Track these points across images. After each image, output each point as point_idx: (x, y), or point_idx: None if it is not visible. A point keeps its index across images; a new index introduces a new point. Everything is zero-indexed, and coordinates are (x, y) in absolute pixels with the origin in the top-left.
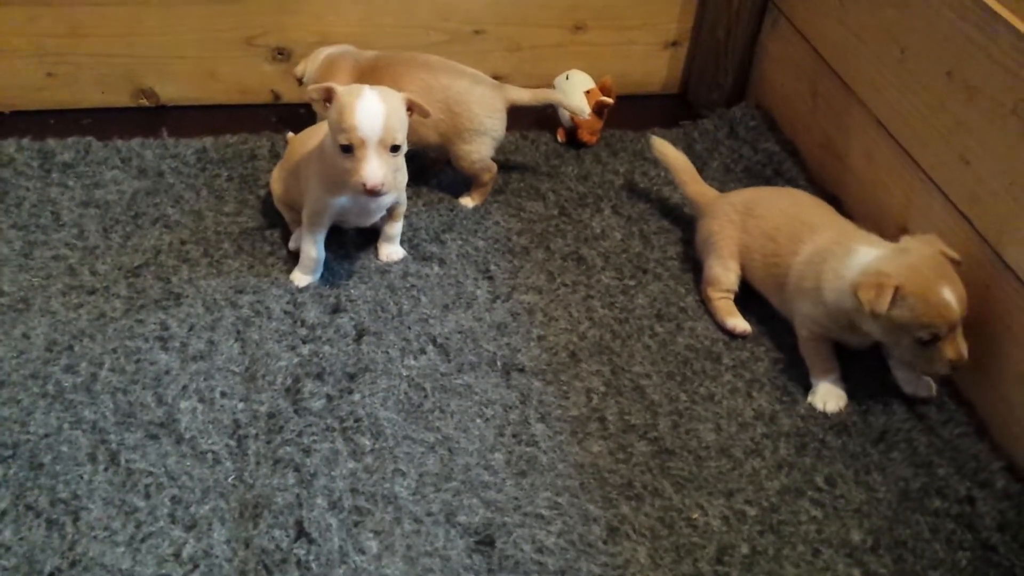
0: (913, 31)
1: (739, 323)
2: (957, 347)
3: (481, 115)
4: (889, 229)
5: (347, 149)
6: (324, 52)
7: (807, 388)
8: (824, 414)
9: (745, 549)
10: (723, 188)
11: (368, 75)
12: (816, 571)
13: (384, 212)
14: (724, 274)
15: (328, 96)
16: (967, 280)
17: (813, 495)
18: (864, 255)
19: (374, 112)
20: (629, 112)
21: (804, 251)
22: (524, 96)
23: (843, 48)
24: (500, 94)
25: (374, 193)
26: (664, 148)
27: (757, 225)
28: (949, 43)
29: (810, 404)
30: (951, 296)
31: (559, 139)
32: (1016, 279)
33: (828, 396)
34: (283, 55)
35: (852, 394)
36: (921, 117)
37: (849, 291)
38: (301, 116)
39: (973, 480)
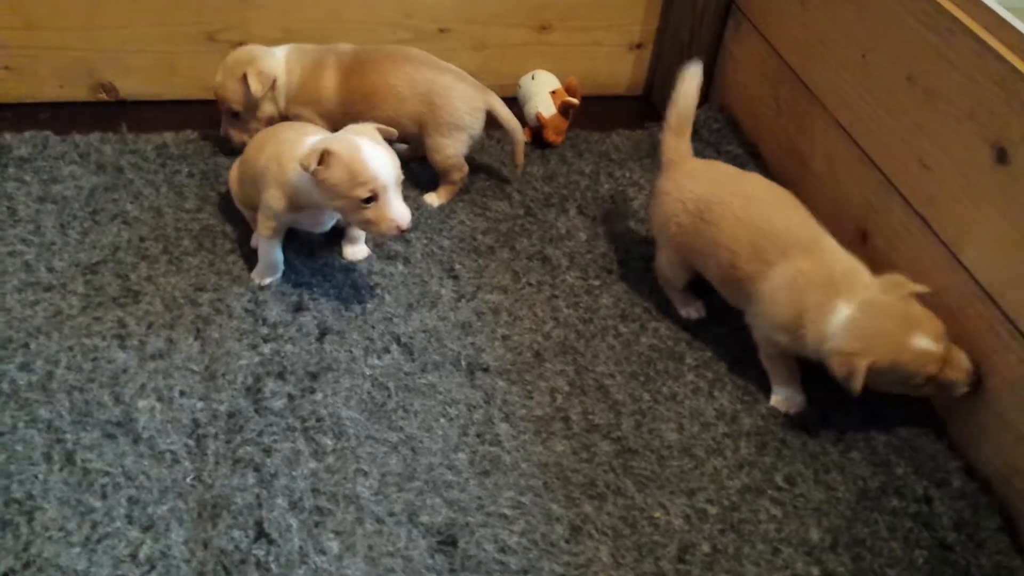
0: (874, 35)
1: (692, 311)
2: (960, 367)
3: (461, 110)
4: (849, 232)
5: (369, 200)
6: (279, 52)
7: (768, 388)
8: (785, 414)
9: (706, 548)
10: None
11: (353, 71)
12: (776, 569)
13: (337, 218)
14: (671, 271)
15: (321, 159)
16: (926, 283)
17: (773, 494)
18: (840, 316)
19: (382, 158)
20: (594, 113)
21: (775, 276)
22: (502, 112)
23: (805, 52)
24: (482, 95)
25: (405, 231)
26: (687, 82)
27: (712, 233)
28: (909, 48)
29: (772, 406)
30: (926, 342)
31: (525, 139)
32: (972, 280)
33: (790, 401)
34: None
35: (812, 394)
36: (881, 121)
37: (826, 357)
38: None
39: (931, 480)
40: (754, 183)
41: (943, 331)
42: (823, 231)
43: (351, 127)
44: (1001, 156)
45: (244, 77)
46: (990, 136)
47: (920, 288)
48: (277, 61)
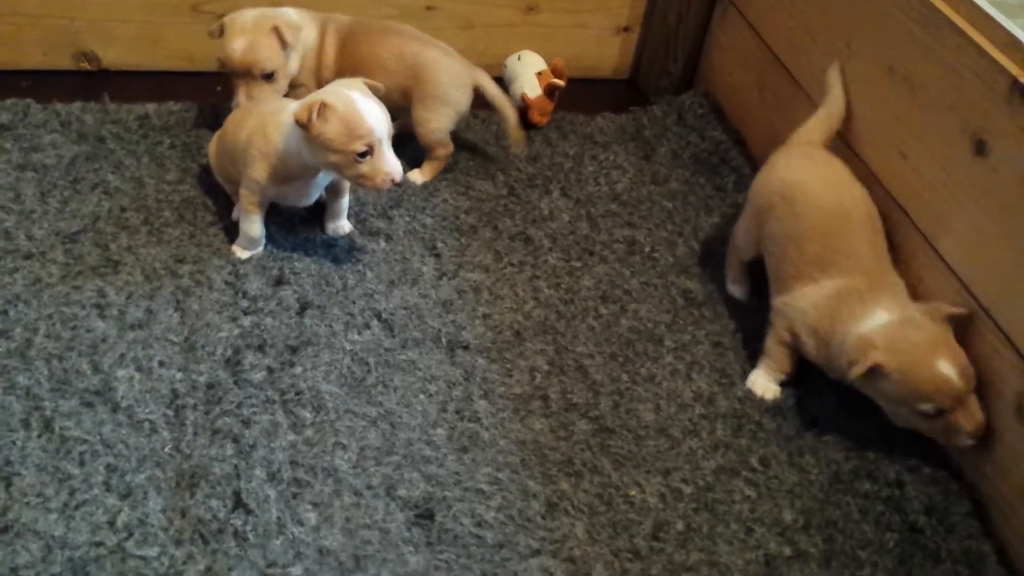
0: (859, 25)
1: (738, 290)
2: (972, 416)
3: (447, 84)
4: None
5: (365, 154)
6: (289, 10)
7: (745, 372)
8: (760, 398)
9: (680, 526)
10: (670, 174)
11: (348, 41)
12: (748, 548)
13: (320, 192)
14: (745, 240)
15: (319, 112)
16: (904, 272)
17: (748, 475)
18: (875, 320)
19: (375, 111)
20: (580, 95)
21: (826, 287)
22: (490, 89)
23: (790, 40)
24: (470, 72)
25: (398, 184)
26: (834, 80)
27: (790, 223)
28: (893, 39)
29: (748, 389)
30: (949, 370)
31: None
32: (948, 269)
33: (767, 388)
34: None
35: (789, 378)
36: (863, 111)
37: (846, 347)
38: None
39: (902, 464)
40: (858, 200)
41: (971, 373)
42: (888, 263)
43: (339, 81)
44: (980, 148)
45: (276, 30)
46: (969, 128)
47: (958, 311)
48: (293, 16)
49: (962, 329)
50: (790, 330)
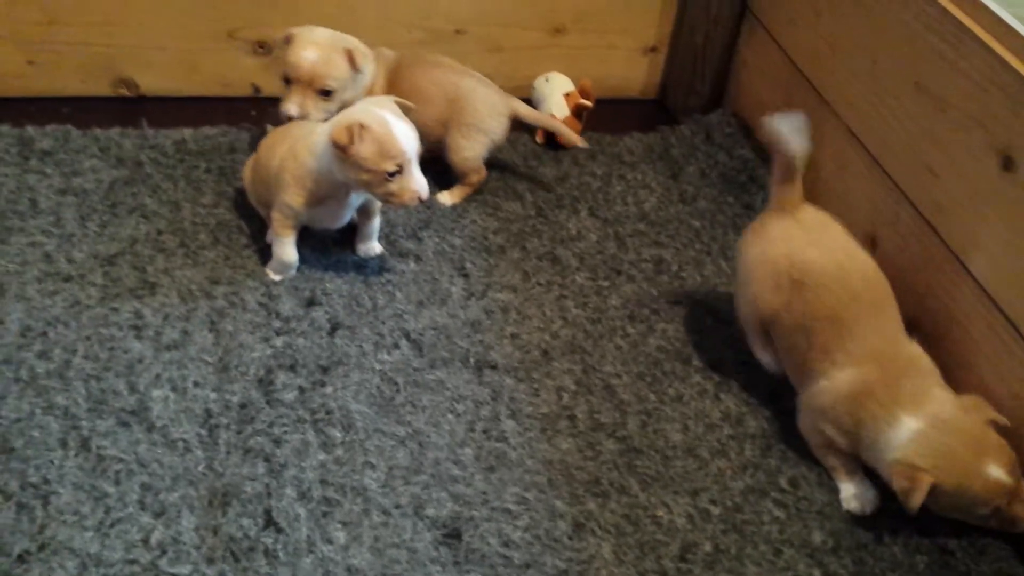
0: (884, 42)
1: (769, 357)
2: None
3: (483, 112)
4: (858, 238)
5: (394, 173)
6: (357, 46)
7: (774, 391)
8: (860, 515)
9: (708, 547)
10: (698, 193)
11: (396, 75)
12: (777, 570)
13: (352, 214)
14: (752, 310)
15: (355, 133)
16: (933, 290)
17: (776, 496)
18: (905, 430)
19: (407, 131)
20: (608, 116)
21: (839, 379)
22: (529, 114)
23: (817, 58)
24: (506, 101)
25: (423, 201)
26: (782, 126)
27: (807, 304)
28: (918, 55)
29: (845, 510)
30: (997, 471)
31: (538, 140)
32: (979, 287)
33: (862, 498)
34: (264, 48)
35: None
36: (890, 127)
37: (886, 466)
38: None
39: None
40: (862, 272)
41: (1016, 463)
42: (902, 337)
43: (369, 100)
44: (1007, 164)
45: (349, 52)
46: (997, 144)
47: (1000, 419)
48: (363, 46)
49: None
50: (819, 432)
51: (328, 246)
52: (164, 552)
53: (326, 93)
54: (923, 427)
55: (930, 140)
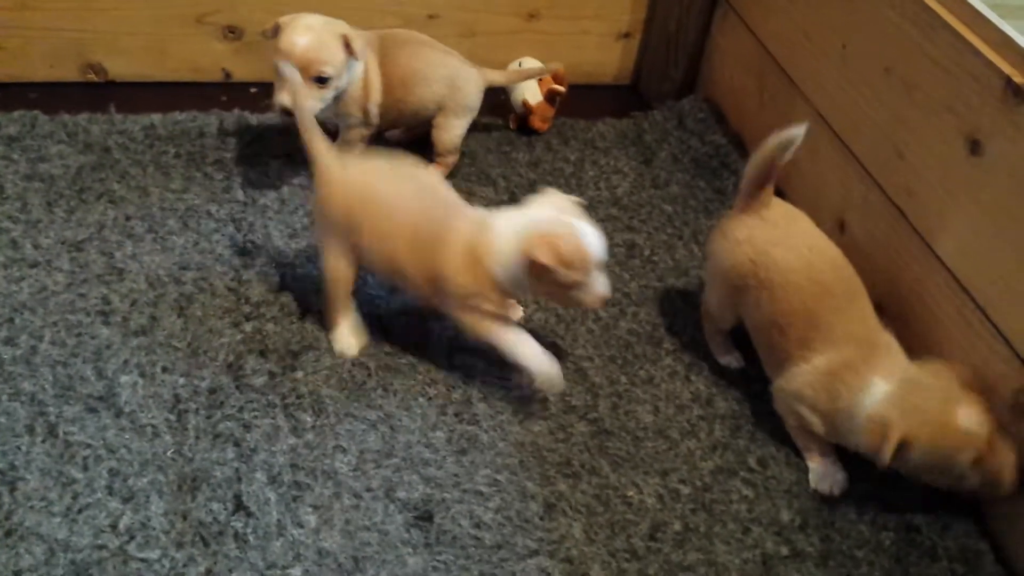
0: (855, 27)
1: (732, 360)
2: (1006, 458)
3: (473, 91)
4: (827, 222)
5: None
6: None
7: (743, 372)
8: (829, 495)
9: (678, 526)
10: (670, 178)
11: (386, 55)
12: (745, 548)
13: None
14: (721, 312)
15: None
16: (901, 273)
17: (745, 475)
18: (877, 391)
19: (597, 239)
20: (581, 101)
21: (817, 363)
22: (499, 78)
23: (789, 43)
24: (481, 73)
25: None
26: (778, 138)
27: (765, 298)
28: (889, 40)
29: (812, 488)
30: (967, 420)
31: (511, 126)
32: (946, 270)
33: (830, 479)
34: (234, 33)
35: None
36: (860, 112)
37: (859, 429)
38: (252, 96)
39: None
40: (831, 265)
41: (989, 414)
42: (875, 322)
43: (547, 201)
44: (975, 148)
45: (344, 37)
46: (965, 128)
47: (965, 370)
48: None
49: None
50: (795, 414)
51: (298, 232)
52: (133, 537)
53: (321, 81)
54: (894, 388)
55: (899, 124)
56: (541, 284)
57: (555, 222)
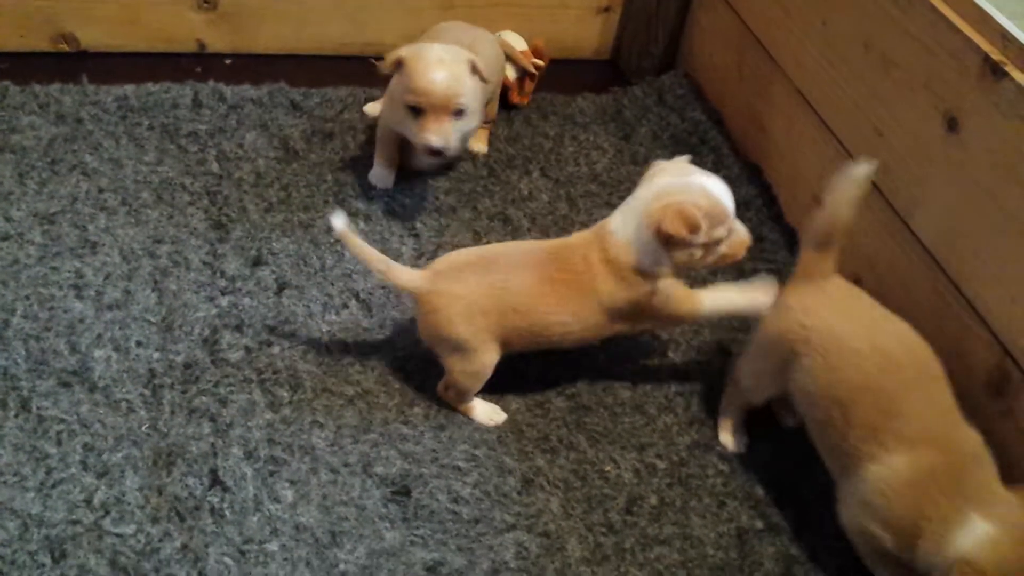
0: (834, 3)
1: (734, 443)
2: None
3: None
4: (805, 198)
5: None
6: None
7: (720, 346)
8: None
9: (654, 500)
10: (649, 154)
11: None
12: (721, 522)
13: None
14: (755, 383)
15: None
16: (877, 250)
17: (721, 450)
18: (976, 530)
19: (725, 191)
20: (560, 76)
21: (893, 466)
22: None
23: (769, 19)
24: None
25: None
26: (845, 186)
27: (825, 378)
28: (868, 16)
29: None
30: None
31: None
32: (920, 246)
33: None
34: (209, 3)
35: None
36: (838, 88)
37: (945, 565)
38: (226, 67)
39: None
40: (899, 338)
41: None
42: (959, 416)
43: (668, 168)
44: (952, 125)
45: (472, 65)
46: (942, 105)
47: None
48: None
49: None
50: (865, 534)
51: (274, 206)
52: (107, 512)
53: (459, 113)
54: (995, 532)
55: (877, 101)
56: (682, 253)
57: (671, 188)
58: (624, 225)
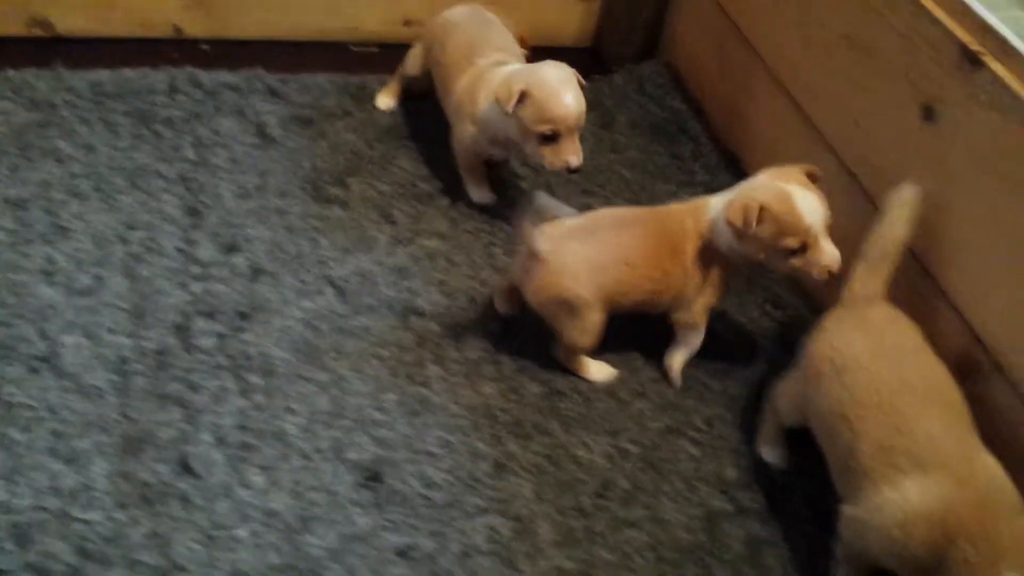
0: None
1: (776, 457)
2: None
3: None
4: None
5: (797, 249)
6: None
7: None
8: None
9: (626, 484)
10: (629, 143)
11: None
12: (692, 505)
13: None
14: (790, 405)
15: (760, 216)
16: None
17: (692, 435)
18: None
19: (814, 203)
20: None
21: (908, 492)
22: None
23: (749, 8)
24: None
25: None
26: (899, 208)
27: (842, 370)
28: (848, 5)
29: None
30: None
31: None
32: None
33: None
34: None
35: (734, 345)
36: (818, 79)
37: None
38: (203, 52)
39: None
40: (922, 369)
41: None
42: (978, 444)
43: (774, 171)
44: (929, 115)
45: (578, 78)
46: (920, 95)
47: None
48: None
49: None
50: (861, 556)
51: (250, 192)
52: (75, 498)
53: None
54: None
55: (856, 92)
56: (749, 247)
57: (762, 187)
58: (716, 205)
